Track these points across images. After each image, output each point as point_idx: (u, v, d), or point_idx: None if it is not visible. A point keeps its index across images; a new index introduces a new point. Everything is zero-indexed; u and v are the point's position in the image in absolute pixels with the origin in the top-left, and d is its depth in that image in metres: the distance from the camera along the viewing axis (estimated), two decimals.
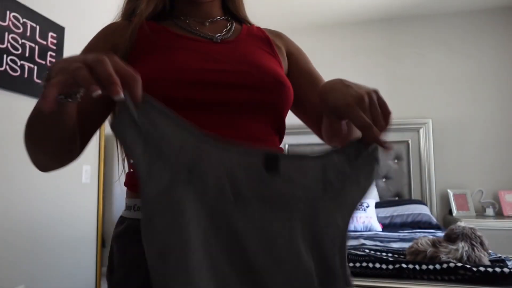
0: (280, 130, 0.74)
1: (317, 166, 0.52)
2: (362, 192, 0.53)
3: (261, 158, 0.51)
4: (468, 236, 1.67)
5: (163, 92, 0.61)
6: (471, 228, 1.69)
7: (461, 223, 1.75)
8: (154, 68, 0.64)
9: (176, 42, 0.69)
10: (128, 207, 0.71)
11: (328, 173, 0.52)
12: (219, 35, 0.74)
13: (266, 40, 0.78)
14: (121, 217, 0.72)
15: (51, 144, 0.59)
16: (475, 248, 1.62)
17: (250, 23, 0.83)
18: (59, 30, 2.12)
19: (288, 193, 0.51)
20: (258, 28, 0.82)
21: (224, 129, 0.64)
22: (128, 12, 0.73)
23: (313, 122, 0.76)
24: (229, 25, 0.78)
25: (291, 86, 0.72)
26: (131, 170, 0.70)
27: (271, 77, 0.68)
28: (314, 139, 0.78)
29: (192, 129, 0.49)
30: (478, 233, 1.66)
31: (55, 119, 0.52)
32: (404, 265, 1.58)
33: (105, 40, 0.70)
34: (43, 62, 2.00)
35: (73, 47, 2.16)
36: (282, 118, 0.73)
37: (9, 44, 1.79)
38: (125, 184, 0.71)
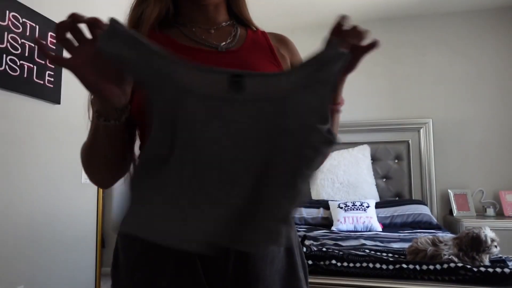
0: None
1: (282, 81, 0.54)
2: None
3: (227, 75, 0.52)
4: (461, 238, 1.66)
5: None
6: (468, 231, 1.67)
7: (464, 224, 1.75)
8: None
9: (180, 53, 0.69)
10: None
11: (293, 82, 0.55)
12: (224, 44, 0.75)
13: (269, 49, 0.79)
14: None
15: (107, 162, 0.66)
16: (462, 250, 1.62)
17: (254, 26, 0.84)
18: None
19: (251, 105, 0.53)
20: (263, 33, 0.83)
21: None
22: (135, 18, 0.73)
23: None
24: (234, 31, 0.79)
25: None
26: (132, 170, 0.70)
27: None
28: None
29: (167, 53, 0.53)
30: (476, 235, 1.63)
31: (106, 143, 0.62)
32: (404, 265, 1.58)
33: None
34: (43, 62, 2.00)
35: None
36: None
37: (8, 44, 1.79)
38: None
